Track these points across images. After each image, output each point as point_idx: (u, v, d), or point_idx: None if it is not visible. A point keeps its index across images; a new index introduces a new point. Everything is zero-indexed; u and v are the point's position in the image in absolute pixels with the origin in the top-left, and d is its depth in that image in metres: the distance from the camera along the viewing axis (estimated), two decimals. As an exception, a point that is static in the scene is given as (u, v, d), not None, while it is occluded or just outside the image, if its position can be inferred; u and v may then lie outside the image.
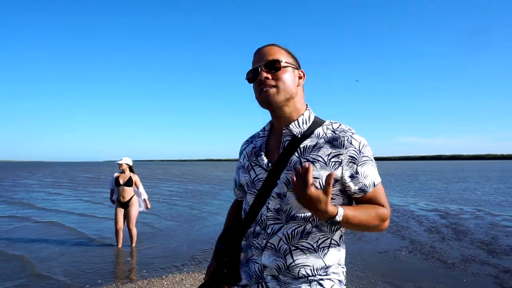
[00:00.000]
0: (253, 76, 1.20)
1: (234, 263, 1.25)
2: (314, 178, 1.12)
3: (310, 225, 1.15)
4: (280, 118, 1.23)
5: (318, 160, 1.14)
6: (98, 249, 6.55)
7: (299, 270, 1.15)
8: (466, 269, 5.18)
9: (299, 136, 1.19)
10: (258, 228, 1.20)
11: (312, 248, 1.16)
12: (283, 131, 1.22)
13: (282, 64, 1.19)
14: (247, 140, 1.40)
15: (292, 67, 1.22)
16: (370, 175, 1.17)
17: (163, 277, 4.94)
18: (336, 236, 1.20)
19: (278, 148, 1.22)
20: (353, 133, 1.18)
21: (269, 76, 1.18)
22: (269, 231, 1.18)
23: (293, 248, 1.15)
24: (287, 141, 1.20)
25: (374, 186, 1.18)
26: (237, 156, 1.43)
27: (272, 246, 1.17)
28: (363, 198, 1.18)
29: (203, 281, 1.32)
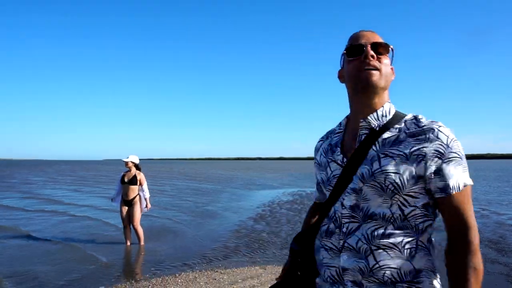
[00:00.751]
0: (357, 51, 1.10)
1: (308, 265, 1.17)
2: (394, 173, 1.01)
3: (391, 226, 1.03)
4: (363, 107, 1.12)
5: (399, 155, 1.02)
6: (112, 246, 6.57)
7: (384, 273, 1.01)
8: (477, 268, 5.20)
9: (377, 129, 1.09)
10: (332, 226, 1.11)
11: (397, 248, 1.02)
12: (360, 123, 1.11)
13: (389, 50, 1.12)
14: (323, 137, 1.31)
15: (391, 59, 1.14)
16: (456, 175, 1.01)
17: (176, 275, 4.94)
18: (424, 237, 1.05)
19: (355, 142, 1.12)
20: (440, 126, 1.04)
21: (375, 56, 1.09)
22: (344, 230, 1.07)
23: (374, 248, 1.03)
24: (364, 135, 1.10)
25: (460, 189, 1.01)
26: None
27: (351, 247, 1.05)
28: (443, 202, 1.02)
29: (275, 282, 1.26)
